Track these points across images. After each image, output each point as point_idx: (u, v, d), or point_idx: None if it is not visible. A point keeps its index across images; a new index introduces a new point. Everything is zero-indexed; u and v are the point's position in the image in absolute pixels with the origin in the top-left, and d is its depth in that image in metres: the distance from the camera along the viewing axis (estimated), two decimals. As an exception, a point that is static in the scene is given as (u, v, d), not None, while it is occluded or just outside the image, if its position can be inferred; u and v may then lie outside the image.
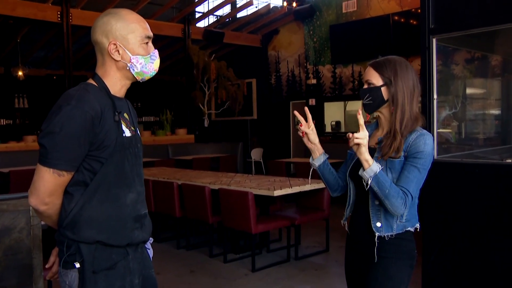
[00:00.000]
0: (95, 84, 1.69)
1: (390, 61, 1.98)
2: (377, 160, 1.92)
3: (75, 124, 1.53)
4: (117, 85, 1.73)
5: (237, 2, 12.59)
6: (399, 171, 1.91)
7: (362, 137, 1.80)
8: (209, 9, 12.02)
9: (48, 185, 1.57)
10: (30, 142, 8.80)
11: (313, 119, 2.02)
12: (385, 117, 2.02)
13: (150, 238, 1.88)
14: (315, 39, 11.13)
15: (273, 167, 8.68)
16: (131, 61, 1.68)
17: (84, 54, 11.80)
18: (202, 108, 11.32)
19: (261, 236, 5.47)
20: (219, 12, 12.43)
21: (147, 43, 1.72)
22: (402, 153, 1.90)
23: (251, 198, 4.68)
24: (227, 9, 12.50)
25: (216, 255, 5.34)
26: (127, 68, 1.69)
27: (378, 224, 1.93)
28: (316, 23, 11.05)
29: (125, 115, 1.75)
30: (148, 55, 1.71)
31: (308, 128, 2.01)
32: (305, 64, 11.45)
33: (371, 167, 1.82)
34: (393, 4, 9.57)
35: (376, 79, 1.97)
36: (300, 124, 2.01)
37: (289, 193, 4.88)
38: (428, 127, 3.46)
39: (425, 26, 3.56)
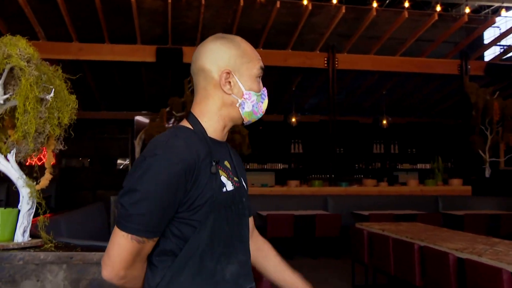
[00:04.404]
0: (190, 126, 1.36)
1: None
2: None
3: (160, 181, 1.20)
4: (219, 125, 1.39)
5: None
6: None
7: None
8: (493, 39, 10.35)
9: (125, 255, 1.23)
10: (293, 187, 8.96)
11: None
12: None
13: None
14: None
15: None
16: (244, 97, 1.37)
17: (353, 98, 11.74)
18: (483, 155, 9.63)
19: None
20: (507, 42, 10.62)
21: (260, 77, 1.41)
22: None
23: (506, 279, 3.35)
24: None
25: None
26: (237, 104, 1.37)
27: None
28: None
29: (226, 163, 1.39)
30: (260, 93, 1.40)
31: None
32: None
33: None
34: None
35: None
36: None
37: None
38: None
39: None
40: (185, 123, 1.37)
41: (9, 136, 2.35)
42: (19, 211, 2.33)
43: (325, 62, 9.35)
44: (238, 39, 1.41)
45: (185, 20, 8.24)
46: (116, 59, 8.67)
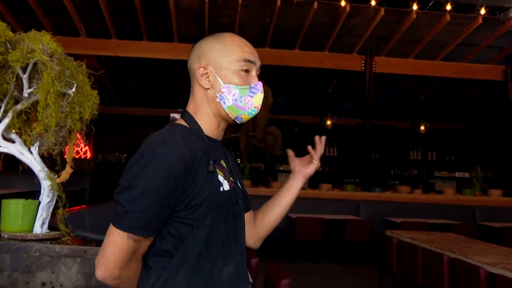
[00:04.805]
0: (186, 124, 1.34)
1: None
2: None
3: (159, 178, 1.17)
4: (213, 123, 1.38)
5: None
6: None
7: None
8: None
9: (121, 254, 1.19)
10: (325, 190, 8.83)
11: None
12: None
13: None
14: None
15: None
16: (222, 91, 1.33)
17: (392, 103, 11.49)
18: (525, 165, 9.25)
19: None
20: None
21: (246, 71, 1.34)
22: None
23: (538, 297, 3.18)
24: None
25: None
26: (217, 99, 1.34)
27: None
28: None
29: (222, 162, 1.38)
30: (246, 86, 1.33)
31: None
32: None
33: None
34: None
35: None
36: None
37: None
38: None
39: None
40: (180, 121, 1.36)
41: (34, 129, 2.39)
42: (39, 203, 2.36)
43: (363, 65, 9.17)
44: (227, 34, 1.38)
45: (221, 20, 8.25)
46: (153, 56, 8.78)
